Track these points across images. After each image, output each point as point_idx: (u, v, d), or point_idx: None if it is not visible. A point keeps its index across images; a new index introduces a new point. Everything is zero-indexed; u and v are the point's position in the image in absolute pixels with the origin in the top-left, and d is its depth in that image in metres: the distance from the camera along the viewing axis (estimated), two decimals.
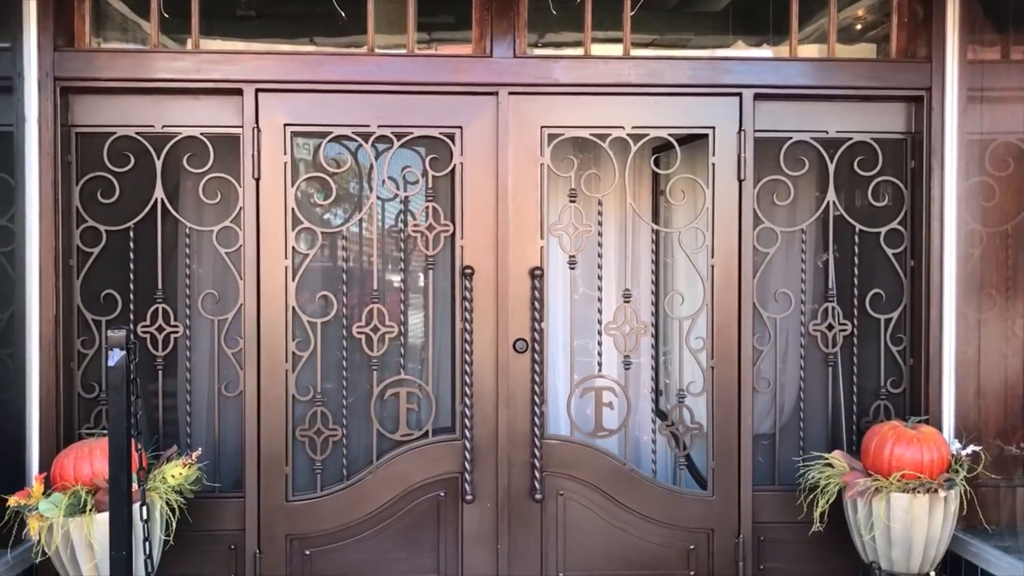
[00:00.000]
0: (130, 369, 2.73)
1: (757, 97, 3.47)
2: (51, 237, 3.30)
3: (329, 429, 3.45)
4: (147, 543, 2.94)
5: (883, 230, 3.57)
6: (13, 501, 2.99)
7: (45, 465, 3.21)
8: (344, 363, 3.51)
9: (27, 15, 3.28)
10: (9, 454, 3.23)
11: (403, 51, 3.50)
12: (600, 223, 3.53)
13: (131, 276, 3.42)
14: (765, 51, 3.87)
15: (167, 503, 3.10)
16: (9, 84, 3.26)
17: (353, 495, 3.42)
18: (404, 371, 3.51)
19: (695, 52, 3.87)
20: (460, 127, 3.43)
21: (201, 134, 3.41)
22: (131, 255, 3.41)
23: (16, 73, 3.27)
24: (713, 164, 3.47)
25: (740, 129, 3.46)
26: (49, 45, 3.30)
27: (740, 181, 3.47)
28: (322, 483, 3.44)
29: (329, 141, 3.42)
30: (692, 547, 3.50)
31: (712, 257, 3.48)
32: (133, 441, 2.82)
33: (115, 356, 2.71)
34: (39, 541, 2.95)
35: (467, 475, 3.38)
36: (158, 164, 3.39)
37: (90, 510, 2.95)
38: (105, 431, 3.28)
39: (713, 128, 3.48)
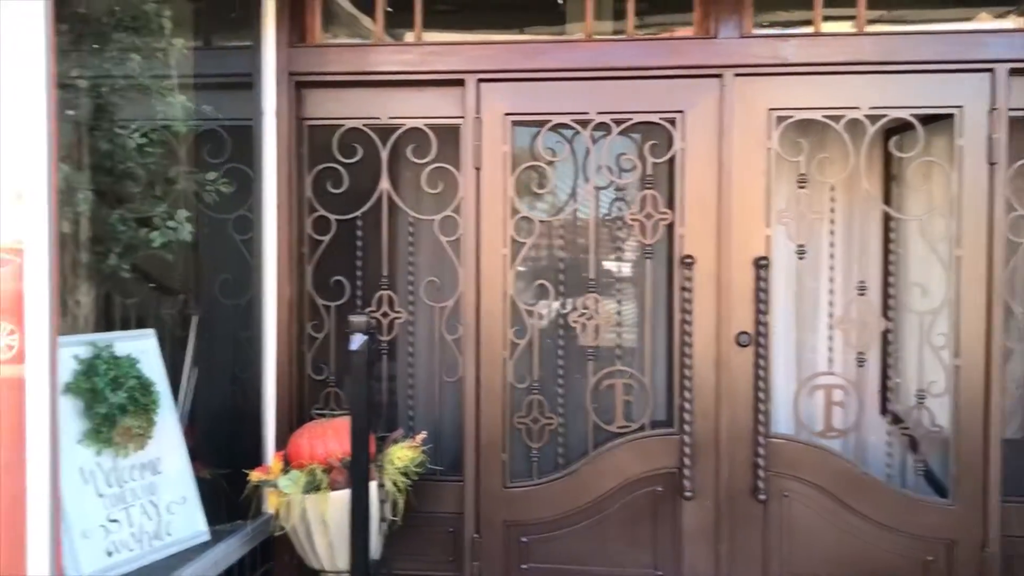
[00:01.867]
0: (371, 353, 2.81)
1: (1012, 72, 3.17)
2: (286, 225, 3.45)
3: (545, 417, 3.44)
4: (382, 523, 3.03)
5: None
6: (255, 476, 3.16)
7: (280, 443, 3.37)
8: (560, 352, 3.50)
9: (265, 15, 3.44)
10: (249, 431, 3.41)
11: (622, 36, 3.43)
12: (832, 210, 3.33)
13: (357, 263, 3.52)
14: (1007, 23, 3.53)
15: (393, 484, 3.18)
16: (249, 80, 3.44)
17: (569, 485, 3.40)
18: (620, 362, 3.45)
19: (937, 26, 3.58)
20: (681, 111, 3.33)
21: (424, 125, 3.46)
22: (358, 243, 3.52)
23: (255, 70, 3.44)
24: (960, 146, 3.20)
25: (992, 108, 3.17)
26: (284, 42, 3.44)
27: (991, 164, 3.18)
28: (538, 471, 3.44)
29: (547, 129, 3.40)
30: (930, 559, 3.25)
31: (958, 247, 3.21)
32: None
33: (357, 341, 2.79)
34: (276, 515, 3.10)
35: (686, 471, 3.29)
36: (384, 155, 3.48)
37: (324, 488, 3.07)
38: (335, 412, 3.43)
39: (960, 107, 3.20)
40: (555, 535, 3.41)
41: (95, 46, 2.86)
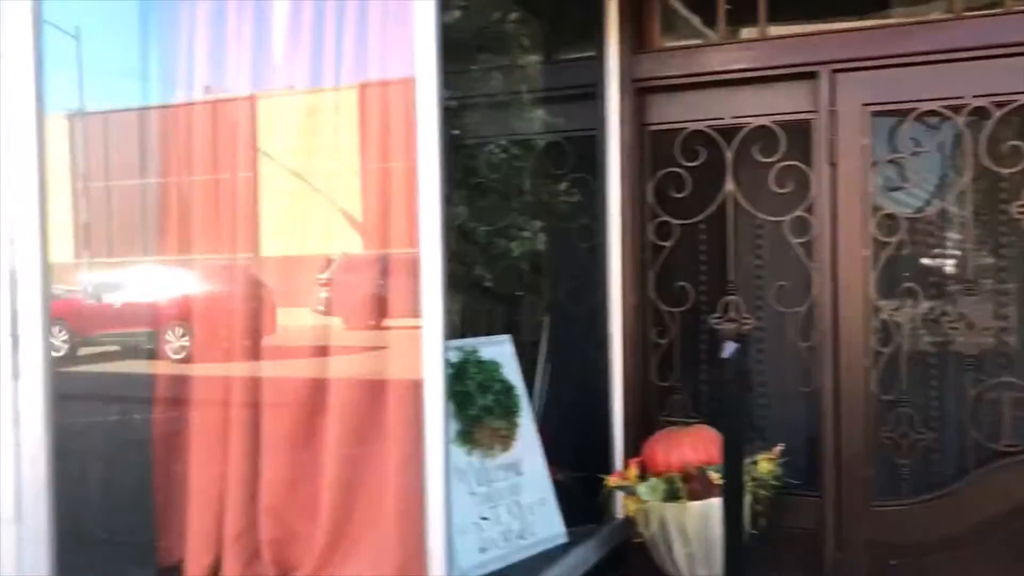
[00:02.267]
0: (742, 361, 2.73)
1: None
2: (629, 232, 3.46)
3: (916, 432, 3.16)
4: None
5: None
6: (613, 482, 3.20)
7: (628, 448, 3.38)
8: (931, 360, 3.20)
9: (608, 25, 3.47)
10: (599, 436, 3.46)
11: (999, 10, 3.08)
12: None
13: (701, 268, 3.46)
14: None
15: (754, 497, 3.07)
16: (592, 91, 3.49)
17: (944, 507, 3.10)
18: (1006, 372, 3.09)
19: None
20: None
21: (771, 122, 3.33)
22: (701, 247, 3.46)
23: (599, 79, 3.48)
24: None
25: None
26: (627, 50, 3.46)
27: None
28: (907, 490, 3.17)
29: (913, 119, 3.13)
30: None
31: None
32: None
33: (729, 349, 2.71)
34: (634, 522, 3.10)
35: None
36: (728, 156, 3.39)
37: (683, 497, 3.03)
38: (687, 420, 3.38)
39: None
40: (929, 560, 3.12)
41: (472, 67, 3.04)
